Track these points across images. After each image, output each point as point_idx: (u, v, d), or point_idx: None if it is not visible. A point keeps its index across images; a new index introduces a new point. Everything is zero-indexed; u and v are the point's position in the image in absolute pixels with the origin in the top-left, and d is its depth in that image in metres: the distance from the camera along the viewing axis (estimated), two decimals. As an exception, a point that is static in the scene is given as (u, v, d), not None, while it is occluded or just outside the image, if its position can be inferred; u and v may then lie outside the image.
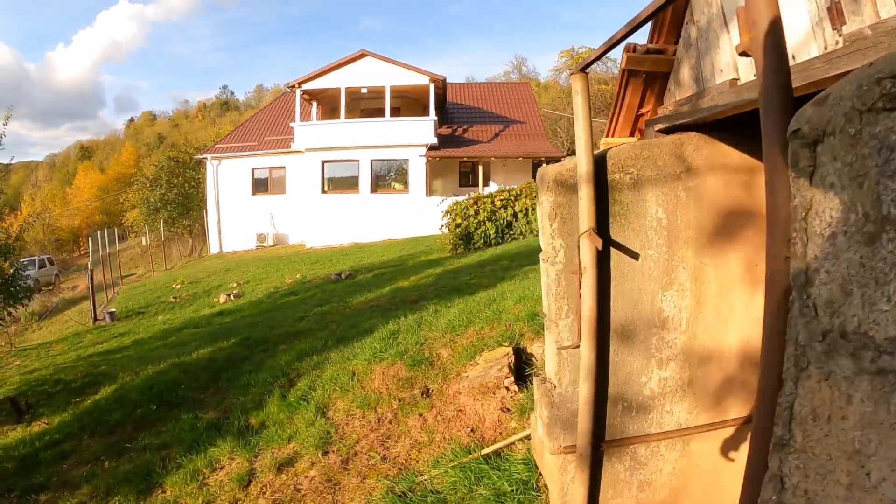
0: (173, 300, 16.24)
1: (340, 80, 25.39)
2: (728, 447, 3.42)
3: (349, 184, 25.67)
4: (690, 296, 3.05)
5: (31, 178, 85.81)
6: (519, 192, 16.87)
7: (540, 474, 3.53)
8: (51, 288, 30.56)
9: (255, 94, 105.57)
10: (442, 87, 26.45)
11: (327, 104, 27.88)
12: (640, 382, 3.05)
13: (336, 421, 4.76)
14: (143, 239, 36.59)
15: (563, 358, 2.89)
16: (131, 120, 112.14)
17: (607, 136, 3.71)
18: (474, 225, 16.03)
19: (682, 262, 3.00)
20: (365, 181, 25.31)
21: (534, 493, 3.44)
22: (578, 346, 2.76)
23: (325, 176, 25.63)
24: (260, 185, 28.60)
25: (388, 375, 4.97)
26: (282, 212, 27.68)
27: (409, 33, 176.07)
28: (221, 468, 4.73)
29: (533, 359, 4.47)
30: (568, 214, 2.82)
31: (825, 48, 2.16)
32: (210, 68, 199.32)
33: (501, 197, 16.68)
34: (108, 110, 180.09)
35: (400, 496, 3.69)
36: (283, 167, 27.94)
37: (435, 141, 24.79)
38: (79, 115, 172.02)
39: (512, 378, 4.23)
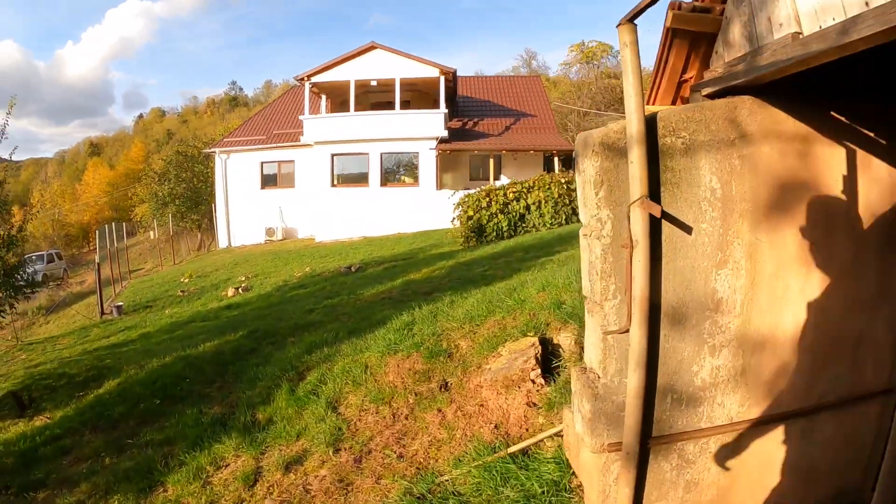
0: (181, 294, 16.03)
1: (350, 73, 25.10)
2: (778, 442, 3.12)
3: (359, 177, 25.40)
4: (745, 275, 2.73)
5: (40, 175, 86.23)
6: (531, 185, 16.57)
7: (573, 474, 3.22)
8: (59, 282, 30.57)
9: (264, 89, 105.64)
10: (452, 79, 26.12)
11: (336, 97, 27.62)
12: (692, 372, 2.73)
13: (348, 416, 4.46)
14: (152, 233, 36.51)
15: (608, 344, 2.57)
16: (140, 116, 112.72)
17: (647, 103, 3.38)
18: (486, 217, 15.73)
19: (737, 237, 2.68)
20: (375, 174, 25.02)
21: (566, 496, 3.13)
22: (628, 331, 2.45)
23: (335, 169, 25.37)
24: (269, 179, 28.37)
25: (404, 368, 4.66)
26: (291, 206, 27.43)
27: (418, 29, 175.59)
28: (226, 466, 4.45)
29: (560, 349, 4.15)
30: (615, 181, 2.50)
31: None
32: (219, 65, 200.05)
33: (514, 189, 16.38)
34: (117, 107, 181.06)
35: (419, 498, 3.38)
36: (292, 161, 27.69)
37: (445, 134, 24.46)
38: (88, 111, 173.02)
39: (539, 370, 3.91)
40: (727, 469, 2.98)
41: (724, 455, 2.98)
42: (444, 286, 8.98)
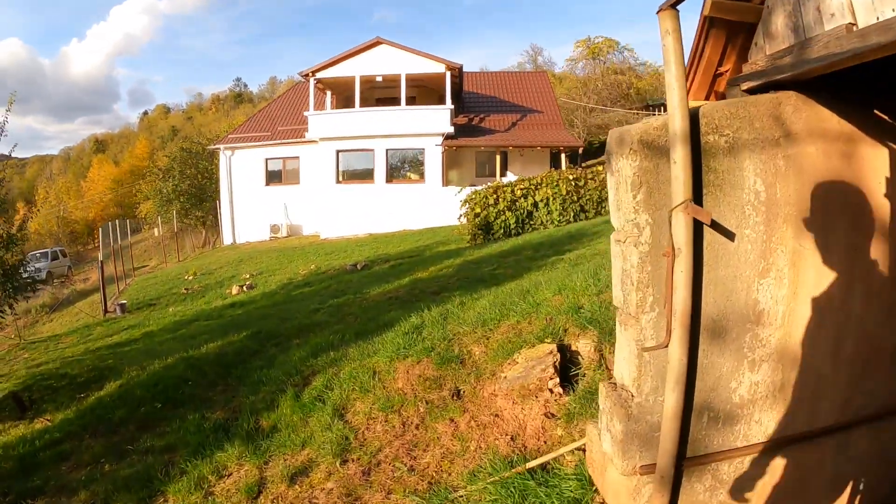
0: (185, 292, 15.88)
1: (355, 69, 24.87)
2: (814, 459, 2.93)
3: (364, 174, 25.19)
4: (788, 285, 2.52)
5: (45, 172, 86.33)
6: (539, 182, 16.37)
7: (596, 491, 3.01)
8: (63, 280, 30.49)
9: (269, 86, 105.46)
10: (458, 75, 25.88)
11: (341, 93, 27.42)
12: (730, 388, 2.53)
13: (355, 425, 4.27)
14: (156, 230, 36.38)
15: (644, 361, 2.36)
16: (145, 113, 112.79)
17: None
18: (494, 214, 15.53)
19: (780, 244, 2.47)
20: (380, 171, 24.81)
21: (589, 516, 2.94)
22: (666, 347, 2.24)
23: (340, 166, 25.17)
24: (274, 176, 28.16)
25: (414, 374, 4.46)
26: (296, 202, 27.24)
27: (422, 25, 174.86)
28: (228, 475, 4.26)
29: (578, 357, 3.94)
30: (655, 183, 2.29)
31: None
32: (223, 61, 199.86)
33: (522, 186, 16.18)
34: (122, 104, 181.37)
35: (431, 516, 3.20)
36: (297, 157, 27.47)
37: (451, 130, 24.21)
38: (93, 108, 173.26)
39: (557, 379, 3.70)
40: (761, 489, 2.79)
41: (759, 474, 2.78)
42: (452, 285, 8.79)
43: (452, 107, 24.75)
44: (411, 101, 26.22)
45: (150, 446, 5.15)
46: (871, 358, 2.90)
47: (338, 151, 24.98)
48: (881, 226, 2.76)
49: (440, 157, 24.21)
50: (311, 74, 25.24)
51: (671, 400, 2.29)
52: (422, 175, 24.82)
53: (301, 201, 27.01)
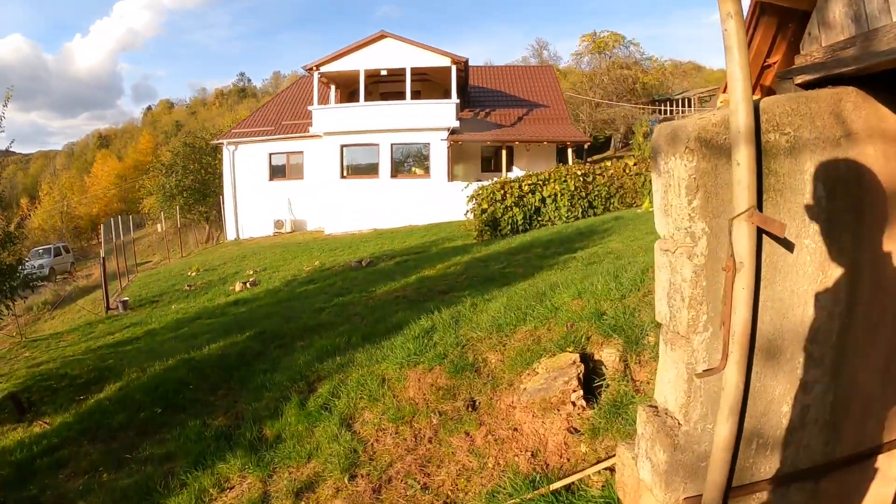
0: (188, 288, 15.70)
1: (359, 63, 24.59)
2: (859, 482, 2.70)
3: (369, 168, 24.94)
4: (845, 300, 2.27)
5: (49, 168, 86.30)
6: (547, 177, 16.11)
7: (625, 517, 2.78)
8: (66, 276, 30.36)
9: (273, 80, 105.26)
10: (464, 69, 25.57)
11: (346, 88, 27.16)
12: (781, 413, 2.28)
13: (364, 436, 4.04)
14: (159, 226, 36.22)
15: (694, 386, 2.11)
16: (149, 108, 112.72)
17: (724, 91, 2.91)
18: (501, 210, 15.28)
19: (839, 256, 2.22)
20: (385, 166, 24.55)
21: (620, 544, 2.71)
22: (722, 371, 2.00)
23: (344, 160, 24.92)
24: (277, 171, 27.94)
25: (425, 383, 4.22)
26: (300, 197, 27.01)
27: (426, 20, 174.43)
28: (231, 489, 4.05)
29: (602, 367, 3.70)
30: (713, 188, 2.03)
31: None
32: (227, 56, 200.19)
33: (529, 181, 15.92)
34: (125, 99, 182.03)
35: (448, 541, 2.97)
36: (301, 152, 27.23)
37: (457, 124, 23.93)
38: (97, 104, 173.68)
39: (581, 392, 3.47)
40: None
41: (804, 501, 2.56)
42: (461, 284, 8.55)
43: (458, 101, 24.45)
44: (416, 95, 25.97)
45: (149, 454, 4.96)
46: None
47: (342, 146, 24.72)
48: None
49: (445, 152, 23.94)
50: (315, 68, 24.98)
51: (724, 430, 2.05)
52: (427, 170, 24.55)
53: (305, 196, 26.78)
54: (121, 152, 75.15)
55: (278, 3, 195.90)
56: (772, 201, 2.07)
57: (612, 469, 3.05)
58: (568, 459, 3.28)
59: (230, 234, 28.64)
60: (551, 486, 3.01)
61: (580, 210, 16.04)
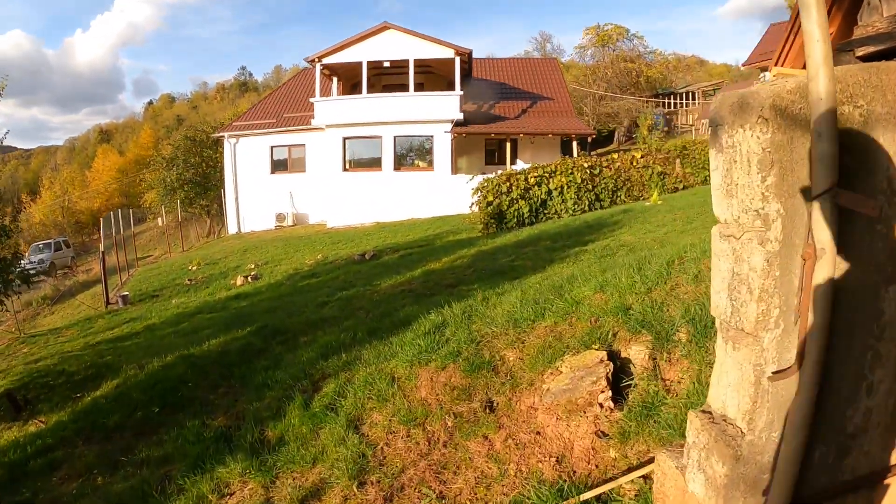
0: (189, 282, 15.47)
1: (362, 54, 24.28)
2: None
3: (371, 161, 24.67)
4: (915, 294, 2.00)
5: (50, 163, 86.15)
6: (553, 169, 15.86)
7: (665, 531, 2.52)
8: (66, 271, 30.15)
9: (274, 74, 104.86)
10: (467, 60, 25.26)
11: (348, 79, 26.84)
12: (845, 417, 2.01)
13: (373, 439, 3.77)
14: (160, 220, 35.97)
15: (762, 391, 1.83)
16: (150, 103, 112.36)
17: (776, 64, 2.65)
18: (507, 203, 15.02)
19: (908, 243, 1.94)
20: (388, 158, 24.26)
21: (660, 562, 2.44)
22: (796, 373, 1.72)
23: (347, 153, 24.63)
24: (279, 164, 27.68)
25: (438, 382, 3.95)
26: (302, 191, 26.71)
27: (428, 14, 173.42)
28: (231, 495, 3.79)
29: (630, 365, 3.42)
30: (789, 163, 1.74)
31: None
32: (229, 50, 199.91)
33: (535, 174, 15.66)
34: (127, 94, 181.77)
35: (468, 557, 2.71)
36: (303, 145, 26.95)
37: (461, 117, 23.63)
38: (98, 99, 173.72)
39: (609, 393, 3.19)
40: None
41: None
42: (469, 278, 8.28)
43: (461, 93, 24.15)
44: (419, 87, 25.67)
45: (145, 457, 4.72)
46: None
47: (344, 139, 24.44)
48: None
49: (449, 145, 23.64)
50: (317, 60, 24.66)
51: (796, 439, 1.77)
52: (430, 163, 24.29)
53: (307, 189, 26.49)
54: (122, 147, 74.92)
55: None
56: (845, 180, 1.79)
57: (645, 477, 2.78)
58: (596, 466, 3.02)
59: (231, 228, 28.41)
60: (582, 496, 2.74)
61: (587, 203, 15.79)
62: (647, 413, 3.12)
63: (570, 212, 15.45)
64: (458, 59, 24.02)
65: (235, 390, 5.58)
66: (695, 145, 18.63)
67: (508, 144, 24.45)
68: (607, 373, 3.22)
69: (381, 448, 3.66)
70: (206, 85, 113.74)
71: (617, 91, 42.99)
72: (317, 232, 22.48)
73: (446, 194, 21.97)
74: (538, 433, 3.26)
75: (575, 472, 3.01)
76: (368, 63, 24.24)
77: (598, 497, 2.79)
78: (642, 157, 17.30)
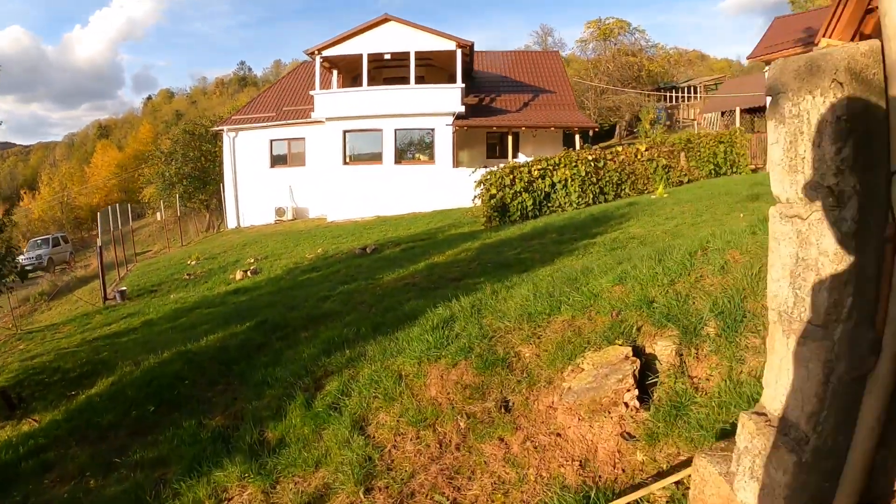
0: (187, 277, 15.25)
1: (362, 46, 23.97)
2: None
3: (372, 155, 24.38)
4: None
5: (49, 158, 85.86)
6: (557, 162, 15.62)
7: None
8: (64, 267, 29.93)
9: (273, 69, 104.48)
10: (469, 53, 24.97)
11: (348, 72, 26.54)
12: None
13: (380, 441, 3.55)
14: (159, 215, 35.73)
15: (832, 391, 1.60)
16: (149, 98, 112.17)
17: (824, 35, 2.42)
18: (510, 196, 14.79)
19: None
20: (388, 152, 23.98)
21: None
22: (874, 370, 1.50)
23: (347, 147, 24.35)
24: (279, 157, 27.38)
25: (449, 380, 3.72)
26: (301, 184, 26.44)
27: (427, 7, 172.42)
28: (229, 500, 3.57)
29: (656, 362, 3.20)
30: (865, 134, 1.53)
31: None
32: (228, 45, 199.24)
33: (539, 166, 15.42)
34: (126, 89, 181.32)
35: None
36: (303, 138, 26.65)
37: (462, 110, 23.33)
38: (97, 94, 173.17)
39: (635, 392, 2.97)
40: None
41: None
42: (474, 271, 8.05)
43: (463, 86, 23.84)
44: (420, 80, 25.38)
45: (140, 458, 4.50)
46: None
47: (345, 132, 24.16)
48: None
49: (450, 138, 23.38)
50: (316, 52, 24.37)
51: (867, 443, 1.55)
52: (431, 156, 24.01)
53: (307, 183, 26.22)
54: (121, 142, 74.71)
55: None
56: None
57: (680, 482, 2.56)
58: (623, 470, 2.79)
59: (231, 223, 28.18)
60: (611, 503, 2.52)
61: (591, 196, 15.57)
62: (676, 413, 2.90)
63: (575, 205, 15.22)
64: (459, 52, 23.73)
65: (234, 388, 5.36)
66: (699, 139, 18.37)
67: (510, 138, 24.19)
68: (634, 370, 3.00)
69: (389, 451, 3.44)
70: (206, 80, 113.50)
71: (618, 85, 42.66)
72: (317, 226, 22.24)
73: (448, 188, 21.71)
74: (558, 435, 3.03)
75: (601, 477, 2.78)
76: (369, 55, 23.94)
77: (627, 505, 2.57)
78: (647, 150, 17.06)
